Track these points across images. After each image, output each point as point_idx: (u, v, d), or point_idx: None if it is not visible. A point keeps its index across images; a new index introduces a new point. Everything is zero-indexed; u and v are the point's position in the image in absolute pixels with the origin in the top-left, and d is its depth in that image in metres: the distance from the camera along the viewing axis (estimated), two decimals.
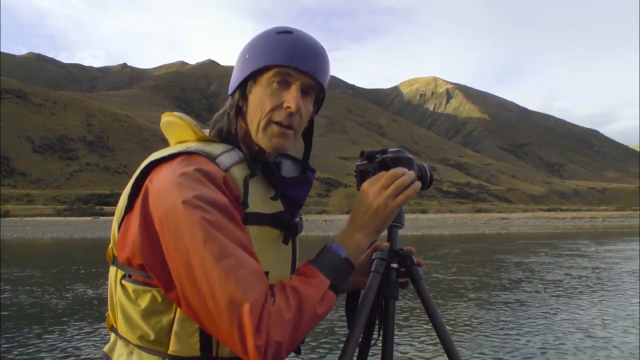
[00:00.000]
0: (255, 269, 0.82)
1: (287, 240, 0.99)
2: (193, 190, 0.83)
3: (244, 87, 0.98)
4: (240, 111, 0.99)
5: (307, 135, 1.07)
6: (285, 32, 0.95)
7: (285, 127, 0.95)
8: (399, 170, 0.98)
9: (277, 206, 0.97)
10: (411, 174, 0.99)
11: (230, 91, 1.01)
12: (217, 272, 0.78)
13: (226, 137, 0.99)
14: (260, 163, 0.98)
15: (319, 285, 0.87)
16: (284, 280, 0.88)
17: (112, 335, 0.98)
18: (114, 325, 0.97)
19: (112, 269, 0.94)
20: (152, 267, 0.85)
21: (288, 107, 0.93)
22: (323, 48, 0.98)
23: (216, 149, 0.94)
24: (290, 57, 0.93)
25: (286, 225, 0.98)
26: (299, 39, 0.95)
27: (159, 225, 0.83)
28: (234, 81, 0.99)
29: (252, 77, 0.96)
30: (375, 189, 0.97)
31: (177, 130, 1.00)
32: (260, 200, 0.94)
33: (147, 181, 0.89)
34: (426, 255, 15.88)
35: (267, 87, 0.95)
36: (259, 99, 0.95)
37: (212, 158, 0.91)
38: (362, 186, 1.00)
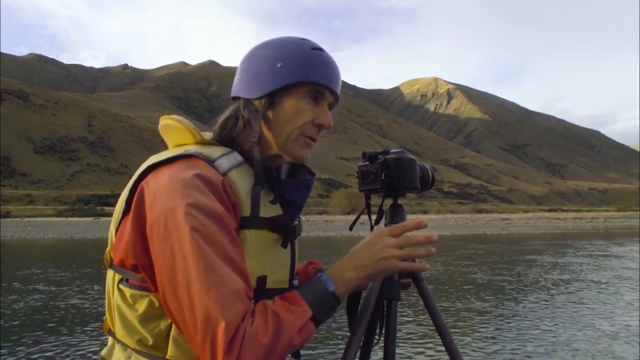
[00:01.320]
0: (237, 288, 0.80)
1: (286, 244, 0.99)
2: (188, 197, 0.82)
3: (272, 94, 0.97)
4: (262, 118, 0.98)
5: None
6: (318, 49, 0.99)
7: (311, 140, 1.00)
8: (421, 237, 0.96)
9: (276, 210, 0.97)
10: (430, 250, 0.96)
11: (245, 94, 0.99)
12: (199, 287, 0.77)
13: (230, 140, 0.99)
14: (268, 170, 0.98)
15: (300, 315, 0.85)
16: (267, 302, 0.87)
17: (110, 339, 0.97)
18: (112, 328, 0.95)
19: (110, 273, 0.94)
20: (144, 267, 0.85)
21: (321, 124, 0.98)
22: None
23: (215, 151, 0.94)
24: (327, 77, 0.98)
25: (285, 229, 0.97)
26: (330, 59, 1.00)
27: (149, 229, 0.84)
28: (258, 85, 0.97)
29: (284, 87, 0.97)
30: (391, 241, 0.94)
31: (176, 133, 1.00)
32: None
33: (143, 182, 0.89)
34: (452, 255, 15.31)
35: (301, 101, 0.97)
36: (291, 111, 0.96)
37: (210, 161, 0.90)
38: (382, 228, 0.99)
